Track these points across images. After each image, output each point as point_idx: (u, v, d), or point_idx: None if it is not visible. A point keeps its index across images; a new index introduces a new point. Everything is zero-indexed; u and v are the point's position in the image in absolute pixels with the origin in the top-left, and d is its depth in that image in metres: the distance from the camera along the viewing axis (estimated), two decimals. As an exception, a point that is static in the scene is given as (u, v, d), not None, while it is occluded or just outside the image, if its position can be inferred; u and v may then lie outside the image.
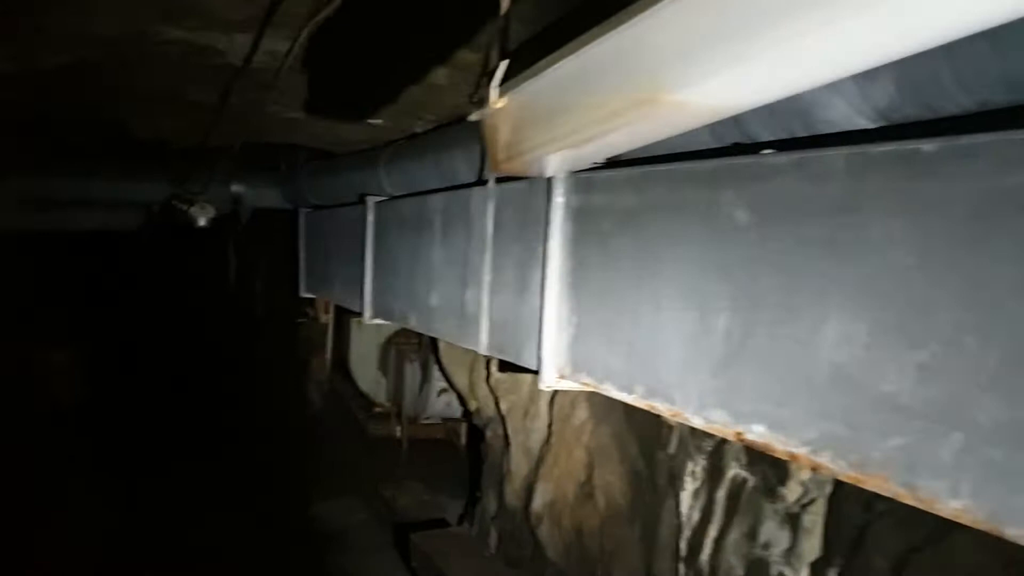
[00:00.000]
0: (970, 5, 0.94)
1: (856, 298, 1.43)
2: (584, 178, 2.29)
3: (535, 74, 1.64)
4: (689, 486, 3.25)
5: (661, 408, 1.94)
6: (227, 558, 5.74)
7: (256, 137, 4.47)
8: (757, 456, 2.96)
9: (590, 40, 1.44)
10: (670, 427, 3.35)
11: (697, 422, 1.83)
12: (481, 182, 2.94)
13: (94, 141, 5.38)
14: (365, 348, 8.26)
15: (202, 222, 5.73)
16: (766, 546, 2.91)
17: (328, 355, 9.06)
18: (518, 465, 4.72)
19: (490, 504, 5.17)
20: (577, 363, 2.31)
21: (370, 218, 4.08)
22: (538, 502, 4.41)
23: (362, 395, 8.37)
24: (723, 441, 3.10)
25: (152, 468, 7.76)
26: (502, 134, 1.29)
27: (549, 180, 2.37)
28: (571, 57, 1.53)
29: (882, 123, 1.71)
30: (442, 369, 6.22)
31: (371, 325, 4.82)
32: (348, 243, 4.42)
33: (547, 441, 4.40)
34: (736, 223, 1.68)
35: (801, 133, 1.90)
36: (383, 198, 4.06)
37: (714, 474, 3.15)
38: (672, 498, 3.34)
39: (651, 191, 2.00)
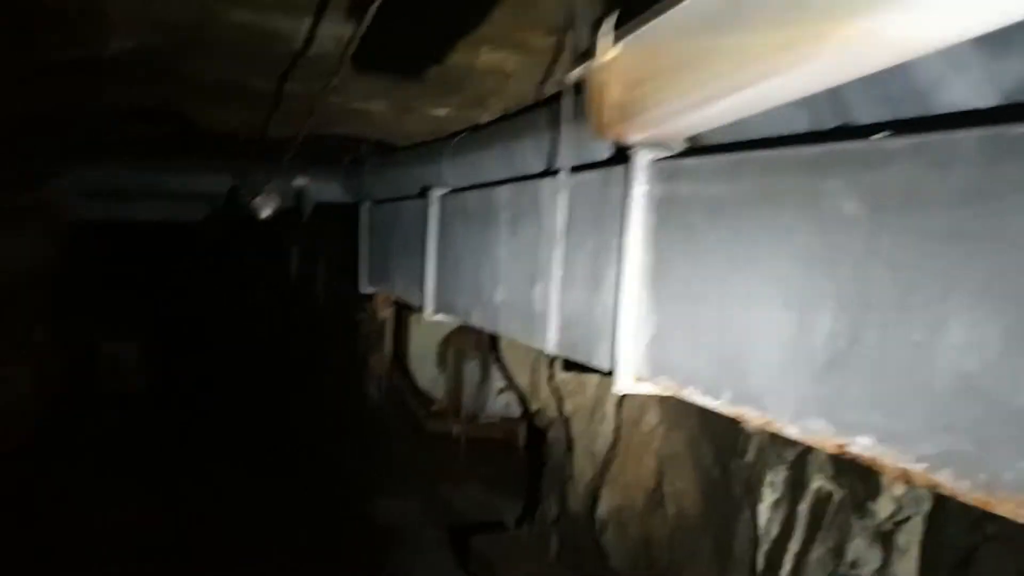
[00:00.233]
0: None
1: (987, 298, 1.26)
2: (668, 166, 2.14)
3: (660, 14, 1.41)
4: (768, 497, 3.06)
5: (751, 415, 1.80)
6: (281, 550, 5.69)
7: (319, 129, 4.40)
8: (844, 468, 2.77)
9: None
10: (748, 435, 3.17)
11: (792, 432, 1.68)
12: (552, 172, 2.81)
13: (161, 133, 5.38)
14: (424, 345, 8.20)
15: (265, 213, 5.74)
16: (854, 565, 2.72)
17: (387, 351, 9.02)
18: (582, 469, 4.57)
19: (551, 508, 5.03)
20: (656, 365, 2.17)
21: (433, 211, 3.98)
22: (603, 508, 4.26)
23: (420, 392, 8.32)
24: (806, 451, 2.92)
25: (210, 457, 7.79)
26: (612, 92, 1.12)
27: (628, 168, 2.23)
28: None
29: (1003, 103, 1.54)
30: (503, 368, 6.10)
31: (430, 322, 4.75)
32: (410, 237, 4.33)
33: (614, 445, 4.24)
34: (844, 214, 1.53)
35: (910, 115, 1.72)
36: (447, 190, 3.95)
37: (796, 485, 2.96)
38: (748, 509, 3.16)
39: (745, 179, 1.85)
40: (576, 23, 1.50)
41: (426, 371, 8.27)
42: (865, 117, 1.81)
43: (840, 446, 1.52)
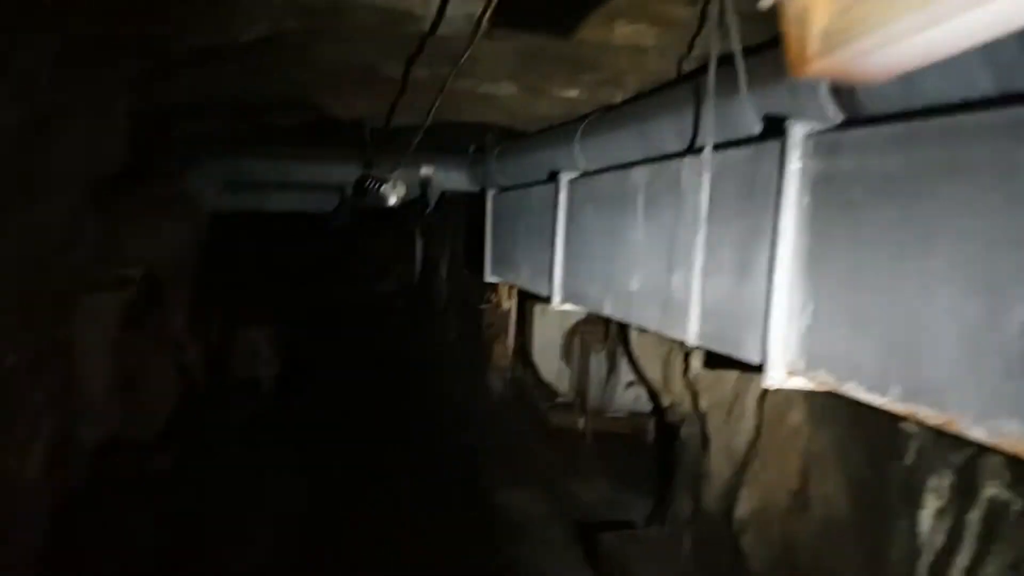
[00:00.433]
0: None
1: None
2: (827, 139, 1.95)
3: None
4: (931, 504, 2.80)
5: (926, 413, 1.60)
6: (406, 541, 5.69)
7: (445, 116, 4.32)
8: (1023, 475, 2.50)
9: None
10: (906, 436, 2.91)
11: (978, 433, 1.49)
12: (694, 150, 2.63)
13: (292, 123, 5.43)
14: (548, 336, 8.08)
15: (393, 200, 5.73)
16: (1035, 582, 2.45)
17: (510, 342, 8.97)
18: (719, 467, 4.36)
19: (684, 507, 4.83)
20: (812, 357, 1.98)
21: (563, 196, 3.84)
22: (742, 509, 4.04)
23: (544, 384, 8.22)
24: (976, 455, 2.65)
25: (338, 444, 7.90)
26: (817, 17, 0.94)
27: (783, 143, 2.05)
28: None
29: None
30: (632, 361, 5.92)
31: (555, 312, 4.62)
32: (538, 224, 4.22)
33: (754, 443, 4.02)
34: (1047, 187, 1.32)
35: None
36: (577, 174, 3.81)
37: (965, 492, 2.69)
38: (908, 517, 2.90)
39: (922, 150, 1.65)
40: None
41: (550, 363, 8.15)
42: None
43: (1040, 452, 1.33)
